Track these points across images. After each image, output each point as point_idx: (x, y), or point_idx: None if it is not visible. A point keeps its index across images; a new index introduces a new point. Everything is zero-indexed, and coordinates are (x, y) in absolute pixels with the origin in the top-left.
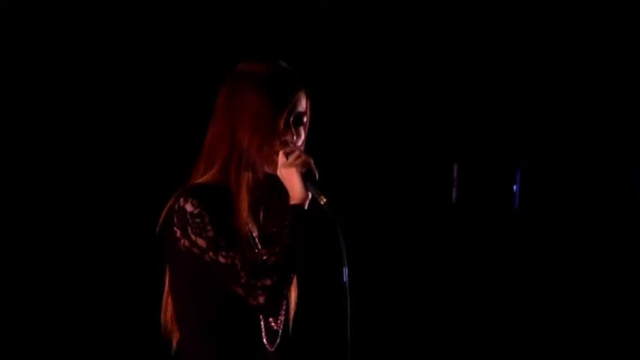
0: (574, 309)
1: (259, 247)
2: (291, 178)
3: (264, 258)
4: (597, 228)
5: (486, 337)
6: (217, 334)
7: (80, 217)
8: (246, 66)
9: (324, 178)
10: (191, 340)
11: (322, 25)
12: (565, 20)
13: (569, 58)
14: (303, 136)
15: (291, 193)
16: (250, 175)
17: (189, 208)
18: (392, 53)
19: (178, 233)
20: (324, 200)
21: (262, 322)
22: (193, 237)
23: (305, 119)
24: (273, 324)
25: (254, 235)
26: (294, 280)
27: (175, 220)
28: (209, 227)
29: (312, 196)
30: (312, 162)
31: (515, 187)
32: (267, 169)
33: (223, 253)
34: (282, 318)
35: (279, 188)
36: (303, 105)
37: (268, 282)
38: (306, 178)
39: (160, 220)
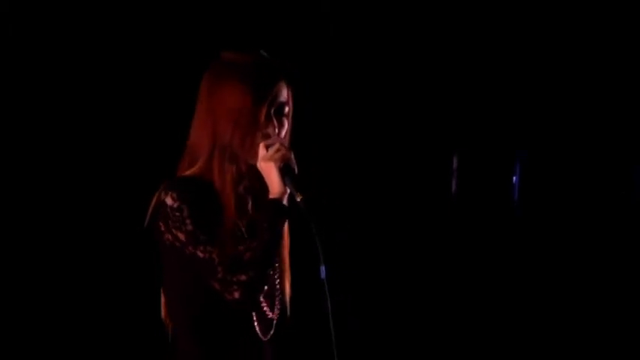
0: (572, 305)
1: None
2: (269, 172)
3: (241, 253)
4: (597, 226)
5: (486, 332)
6: (205, 330)
7: (76, 213)
8: (226, 57)
9: (328, 171)
10: (181, 337)
11: (322, 25)
12: (567, 17)
13: (570, 58)
14: (286, 127)
15: (269, 188)
16: (234, 167)
17: (169, 201)
18: (392, 49)
19: (162, 227)
20: (300, 197)
21: (255, 312)
22: (174, 231)
23: (287, 110)
24: (268, 312)
25: (241, 227)
26: (287, 270)
27: (159, 214)
28: (188, 221)
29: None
30: (291, 156)
31: (514, 178)
32: (251, 162)
33: (201, 248)
34: (278, 306)
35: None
36: (284, 95)
37: (243, 277)
38: (285, 172)
39: (148, 214)
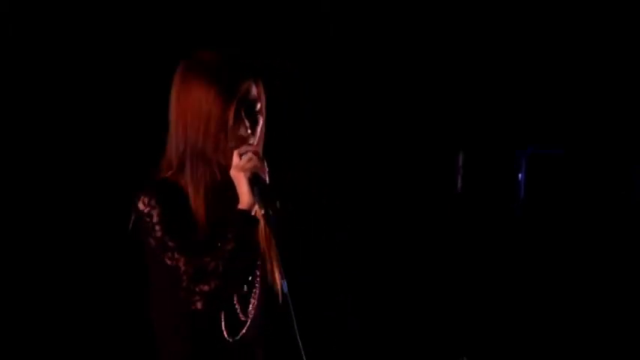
0: (572, 305)
1: None
2: (239, 182)
3: (207, 263)
4: (597, 226)
5: (490, 331)
6: (175, 336)
7: (73, 213)
8: (195, 56)
9: (328, 171)
10: (158, 339)
11: (322, 25)
12: (568, 16)
13: (572, 58)
14: (259, 127)
15: (240, 197)
16: (208, 173)
17: (140, 206)
18: (393, 48)
19: (140, 231)
20: (265, 211)
21: (223, 314)
22: (146, 236)
23: (258, 107)
24: (241, 315)
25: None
26: (277, 271)
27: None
28: (157, 227)
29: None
30: (263, 166)
31: (520, 175)
32: (226, 168)
33: (169, 255)
34: (252, 309)
35: None
36: (253, 93)
37: (206, 288)
38: (253, 183)
39: (132, 217)
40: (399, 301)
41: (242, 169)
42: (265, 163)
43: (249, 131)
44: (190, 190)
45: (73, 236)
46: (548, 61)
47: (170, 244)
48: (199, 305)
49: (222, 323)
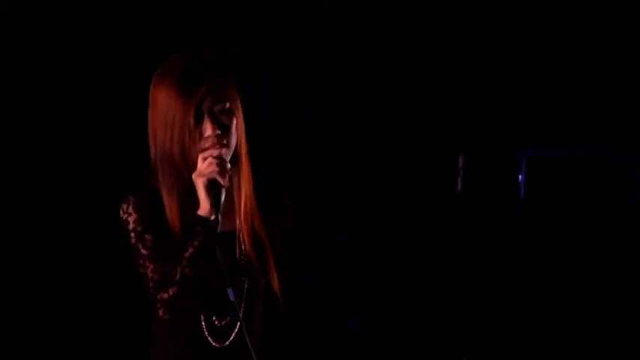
0: (572, 305)
1: None
2: (198, 188)
3: (172, 270)
4: (597, 227)
5: (492, 327)
6: (162, 333)
7: (71, 212)
8: (165, 62)
9: (328, 171)
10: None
11: (322, 25)
12: (569, 17)
13: (572, 59)
14: (231, 128)
15: (200, 203)
16: (180, 180)
17: (120, 213)
18: (393, 49)
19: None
20: (213, 217)
21: (203, 321)
22: (127, 242)
23: (225, 107)
24: (216, 321)
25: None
26: (272, 277)
27: None
28: (132, 234)
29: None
30: (223, 171)
31: (520, 177)
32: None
33: (140, 262)
34: (228, 318)
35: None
36: (217, 93)
37: (165, 296)
38: (209, 189)
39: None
40: (399, 302)
41: (201, 174)
42: (227, 167)
43: (217, 132)
44: (164, 197)
45: (71, 236)
46: (548, 62)
47: (142, 251)
48: (161, 313)
49: (205, 331)
